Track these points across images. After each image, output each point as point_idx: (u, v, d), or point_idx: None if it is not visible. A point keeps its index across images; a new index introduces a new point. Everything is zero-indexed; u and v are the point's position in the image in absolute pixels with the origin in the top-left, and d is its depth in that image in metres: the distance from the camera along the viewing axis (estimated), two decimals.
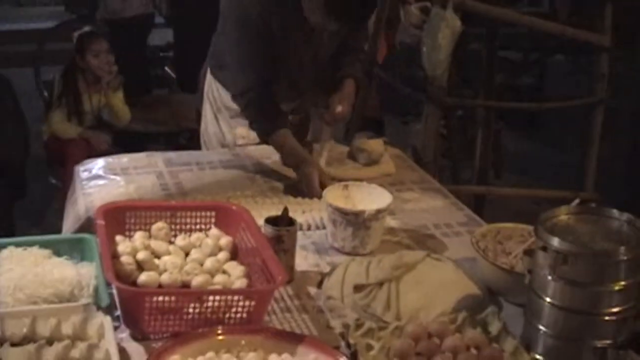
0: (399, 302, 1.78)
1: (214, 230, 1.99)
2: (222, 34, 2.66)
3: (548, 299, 1.64)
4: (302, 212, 2.30)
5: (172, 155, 2.77)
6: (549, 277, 1.62)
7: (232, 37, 2.54)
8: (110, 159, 2.71)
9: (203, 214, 2.03)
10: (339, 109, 2.56)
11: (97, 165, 2.64)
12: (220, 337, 1.59)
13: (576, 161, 3.54)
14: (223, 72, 2.71)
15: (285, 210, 1.95)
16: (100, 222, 1.87)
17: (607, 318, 1.61)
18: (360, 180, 2.35)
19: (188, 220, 2.02)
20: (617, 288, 1.60)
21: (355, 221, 2.05)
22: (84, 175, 2.57)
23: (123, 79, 4.42)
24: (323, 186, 2.35)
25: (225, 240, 1.95)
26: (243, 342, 1.57)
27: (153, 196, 2.41)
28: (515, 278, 1.82)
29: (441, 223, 2.31)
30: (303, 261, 2.05)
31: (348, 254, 2.08)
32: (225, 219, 2.01)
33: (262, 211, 2.17)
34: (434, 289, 1.83)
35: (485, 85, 3.63)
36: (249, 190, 2.46)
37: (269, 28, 2.46)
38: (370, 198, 2.16)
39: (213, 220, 2.03)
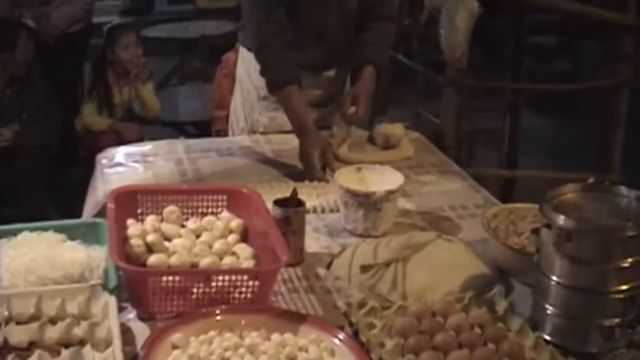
0: (406, 282, 1.77)
1: (225, 214, 2.00)
2: None
3: (555, 278, 1.61)
4: (317, 195, 2.30)
5: (192, 142, 2.80)
6: (554, 256, 1.60)
7: None
8: (131, 148, 2.75)
9: (214, 197, 2.04)
10: (352, 110, 2.55)
11: (118, 153, 2.67)
12: (223, 317, 1.60)
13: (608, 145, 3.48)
14: (243, 32, 2.70)
15: (294, 192, 1.95)
16: (111, 205, 1.89)
17: (614, 296, 1.59)
18: (380, 164, 2.34)
19: (200, 203, 2.03)
20: (624, 265, 1.57)
21: (367, 202, 2.04)
22: (105, 162, 2.61)
23: (152, 71, 4.47)
24: (329, 166, 2.39)
25: (235, 223, 1.96)
26: (244, 321, 1.58)
27: (170, 182, 2.43)
28: (526, 258, 1.79)
29: (457, 205, 2.29)
30: (315, 243, 2.05)
31: (360, 235, 2.07)
32: (237, 202, 2.02)
33: (277, 195, 2.14)
34: (442, 269, 1.81)
35: (513, 68, 3.58)
36: (266, 175, 2.47)
37: None
38: (384, 180, 2.15)
39: (225, 203, 2.03)
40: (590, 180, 1.80)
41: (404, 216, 2.20)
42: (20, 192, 4.06)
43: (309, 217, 2.16)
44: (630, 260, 1.57)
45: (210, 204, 2.03)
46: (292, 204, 1.93)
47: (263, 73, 2.57)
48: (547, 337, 1.63)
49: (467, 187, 2.43)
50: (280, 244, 1.75)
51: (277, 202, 1.93)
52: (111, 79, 4.36)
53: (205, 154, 2.66)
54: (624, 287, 1.58)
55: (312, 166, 2.42)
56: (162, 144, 2.77)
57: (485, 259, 1.90)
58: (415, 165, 2.57)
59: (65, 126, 4.35)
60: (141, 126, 4.47)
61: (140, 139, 4.28)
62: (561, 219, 1.56)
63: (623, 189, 1.68)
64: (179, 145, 2.74)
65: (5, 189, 4.06)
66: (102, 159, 2.65)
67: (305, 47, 2.60)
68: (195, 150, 2.68)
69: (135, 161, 2.59)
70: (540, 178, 3.76)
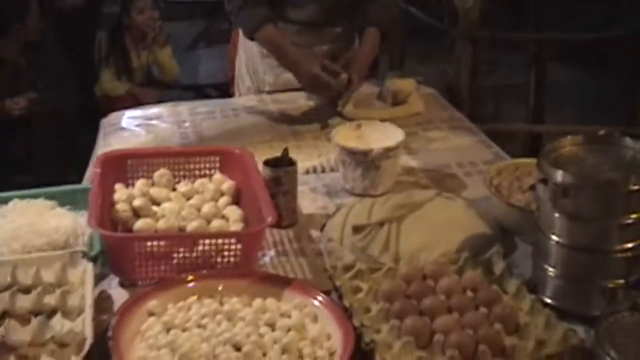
0: (399, 242, 1.68)
1: (218, 176, 1.93)
2: None
3: (554, 237, 1.52)
4: (318, 155, 2.22)
5: (197, 104, 2.74)
6: (552, 213, 1.50)
7: None
8: (136, 111, 2.69)
9: (207, 159, 1.96)
10: (344, 76, 2.46)
11: (123, 117, 2.61)
12: (203, 282, 1.53)
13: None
14: None
15: (285, 151, 1.87)
16: (97, 170, 1.83)
17: (617, 255, 1.49)
18: (388, 120, 2.23)
19: (192, 166, 1.96)
20: (627, 222, 1.46)
21: (364, 161, 1.95)
22: (108, 127, 2.56)
23: (170, 34, 4.40)
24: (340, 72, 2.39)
25: (227, 185, 1.89)
26: (221, 287, 1.51)
27: (171, 145, 2.36)
28: (528, 216, 1.68)
29: (465, 162, 2.19)
30: (311, 204, 1.97)
31: (359, 195, 1.98)
32: (230, 163, 1.95)
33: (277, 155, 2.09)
34: (438, 229, 1.71)
35: (535, 20, 3.43)
36: (269, 135, 2.39)
37: None
38: (384, 137, 2.05)
39: (217, 165, 1.96)
40: (601, 132, 1.69)
41: (408, 174, 2.11)
42: (36, 160, 4.05)
43: (308, 178, 2.09)
44: (633, 216, 1.46)
45: (202, 166, 1.96)
46: (283, 163, 1.85)
47: (236, 22, 2.55)
48: (548, 300, 1.54)
49: (477, 143, 2.33)
50: (266, 205, 1.67)
51: (267, 163, 1.85)
52: (129, 44, 4.31)
53: (209, 116, 2.59)
54: (628, 246, 1.48)
55: (325, 84, 2.38)
56: (168, 106, 2.71)
57: (488, 218, 1.80)
58: (425, 121, 2.47)
59: (81, 93, 4.32)
60: (160, 90, 4.41)
61: (159, 103, 4.24)
62: (557, 174, 1.46)
63: (628, 141, 1.57)
64: (184, 107, 2.67)
65: (21, 157, 4.06)
66: (106, 123, 2.60)
67: (306, 3, 2.51)
68: (200, 113, 2.61)
69: (137, 125, 2.53)
70: (564, 132, 3.61)
